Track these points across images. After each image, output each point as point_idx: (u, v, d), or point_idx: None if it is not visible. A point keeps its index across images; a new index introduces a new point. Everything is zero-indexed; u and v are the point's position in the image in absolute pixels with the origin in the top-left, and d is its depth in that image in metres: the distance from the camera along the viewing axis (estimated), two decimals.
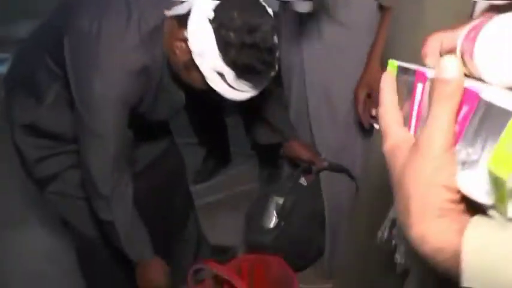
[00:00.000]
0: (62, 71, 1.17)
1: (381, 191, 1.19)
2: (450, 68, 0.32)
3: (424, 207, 0.34)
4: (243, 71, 1.03)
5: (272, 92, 1.43)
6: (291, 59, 1.59)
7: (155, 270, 1.31)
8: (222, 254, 1.78)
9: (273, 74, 1.08)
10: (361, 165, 1.63)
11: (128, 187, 1.22)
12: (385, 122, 0.39)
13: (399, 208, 0.36)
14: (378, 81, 1.44)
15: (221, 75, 1.04)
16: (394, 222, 0.73)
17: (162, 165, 1.52)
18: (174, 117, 1.48)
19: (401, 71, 0.41)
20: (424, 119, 0.36)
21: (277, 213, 1.67)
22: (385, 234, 0.74)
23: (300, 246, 1.69)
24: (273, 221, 1.68)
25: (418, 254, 0.35)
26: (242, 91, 1.08)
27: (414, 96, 0.38)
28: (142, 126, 1.33)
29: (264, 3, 1.06)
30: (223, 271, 1.40)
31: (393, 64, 0.42)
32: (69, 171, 1.35)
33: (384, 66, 1.21)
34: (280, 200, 1.69)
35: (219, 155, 2.34)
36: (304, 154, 1.60)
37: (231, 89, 1.06)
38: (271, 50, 1.02)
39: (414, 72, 0.39)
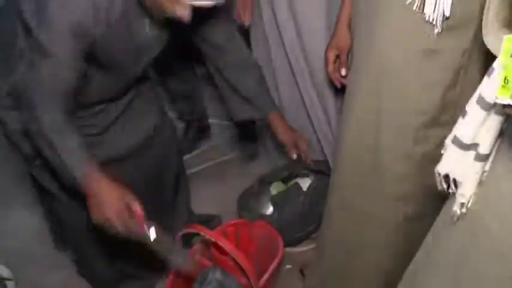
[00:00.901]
0: None
1: (355, 160, 1.24)
2: None
3: None
4: None
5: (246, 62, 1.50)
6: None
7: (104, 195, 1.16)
8: (206, 223, 1.82)
9: None
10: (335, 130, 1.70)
11: (66, 125, 1.18)
12: None
13: None
14: (346, 43, 1.50)
15: None
16: None
17: (156, 140, 1.53)
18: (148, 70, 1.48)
19: None
20: None
21: (270, 203, 1.75)
22: None
23: (290, 233, 1.75)
24: (265, 208, 1.76)
25: None
26: None
27: None
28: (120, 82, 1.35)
29: None
30: (211, 234, 1.43)
31: None
32: None
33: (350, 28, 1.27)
34: (274, 191, 1.76)
35: (198, 127, 2.36)
36: (286, 138, 1.53)
37: None
38: None
39: None
